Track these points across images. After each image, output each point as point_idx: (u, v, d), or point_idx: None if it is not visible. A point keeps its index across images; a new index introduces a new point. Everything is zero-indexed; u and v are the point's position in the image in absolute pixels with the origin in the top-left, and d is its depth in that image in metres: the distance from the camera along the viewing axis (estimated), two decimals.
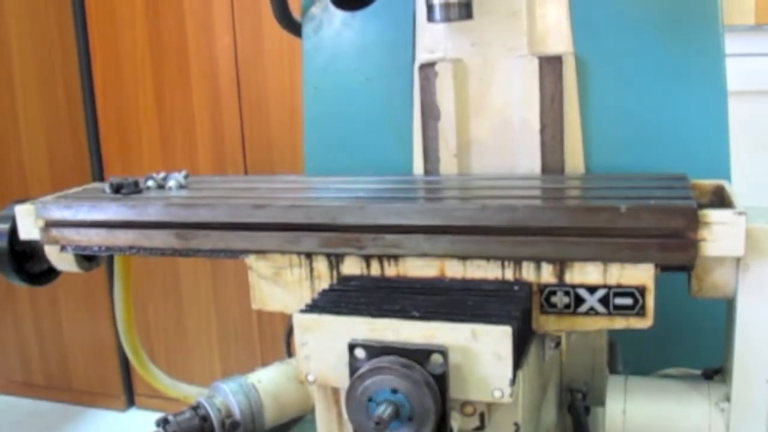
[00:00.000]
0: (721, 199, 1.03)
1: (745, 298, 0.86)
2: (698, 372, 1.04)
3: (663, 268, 0.86)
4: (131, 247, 1.06)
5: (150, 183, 1.16)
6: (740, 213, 0.84)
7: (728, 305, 0.92)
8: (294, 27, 1.38)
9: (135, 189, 1.12)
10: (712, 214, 0.84)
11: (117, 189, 1.11)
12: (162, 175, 1.18)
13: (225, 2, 2.60)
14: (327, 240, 0.95)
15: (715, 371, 1.00)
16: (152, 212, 1.03)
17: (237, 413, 1.07)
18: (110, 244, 1.07)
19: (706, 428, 0.93)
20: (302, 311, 0.84)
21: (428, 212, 0.92)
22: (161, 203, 1.04)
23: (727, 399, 0.91)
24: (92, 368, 3.13)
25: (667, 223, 0.85)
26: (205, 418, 1.04)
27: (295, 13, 1.39)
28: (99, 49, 2.81)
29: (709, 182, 1.06)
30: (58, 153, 2.96)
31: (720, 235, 0.84)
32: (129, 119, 2.82)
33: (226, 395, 1.07)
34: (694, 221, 0.84)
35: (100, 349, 3.09)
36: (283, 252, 0.98)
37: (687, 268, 0.87)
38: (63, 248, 1.11)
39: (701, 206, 0.86)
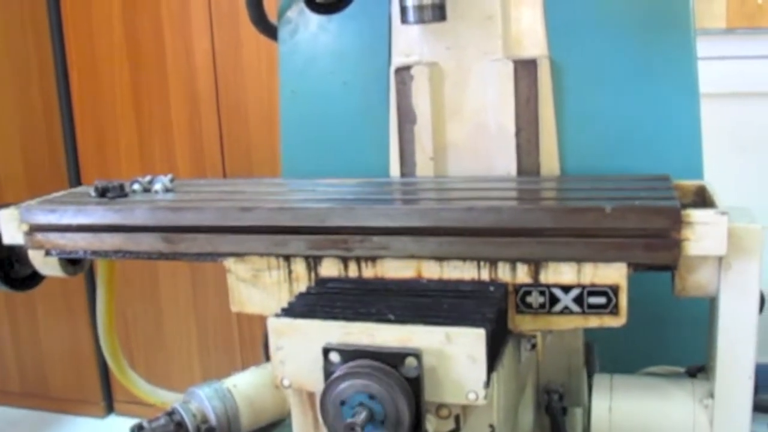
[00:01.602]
0: (702, 200, 1.04)
1: (728, 297, 0.88)
2: (682, 370, 1.05)
3: (648, 268, 0.87)
4: (117, 251, 1.05)
5: (136, 186, 1.15)
6: (722, 213, 0.85)
7: (711, 304, 0.93)
8: (270, 30, 1.38)
9: (121, 193, 1.11)
10: (695, 214, 0.85)
11: (102, 193, 1.10)
12: (148, 178, 1.18)
13: (202, 6, 2.59)
14: (315, 242, 0.96)
15: (698, 369, 1.01)
16: (139, 216, 1.03)
17: (212, 419, 1.06)
18: (96, 248, 1.06)
19: (691, 424, 0.94)
20: (277, 316, 0.83)
21: (415, 214, 0.93)
22: (148, 207, 1.04)
23: (711, 396, 0.92)
24: (70, 375, 3.10)
25: (651, 224, 0.86)
26: (180, 424, 1.04)
27: (272, 16, 1.38)
28: (75, 53, 2.78)
29: (691, 183, 1.08)
30: (34, 157, 2.93)
31: (703, 234, 0.85)
32: (106, 123, 2.80)
33: (202, 401, 1.07)
34: (677, 221, 0.85)
35: (78, 355, 3.06)
36: (270, 255, 0.98)
37: (671, 268, 0.88)
38: (48, 253, 1.10)
39: (684, 206, 0.87)
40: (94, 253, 1.07)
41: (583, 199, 0.95)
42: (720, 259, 0.87)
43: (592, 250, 0.87)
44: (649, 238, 0.86)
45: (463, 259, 0.91)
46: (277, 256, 0.98)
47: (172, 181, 1.18)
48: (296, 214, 0.96)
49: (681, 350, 1.20)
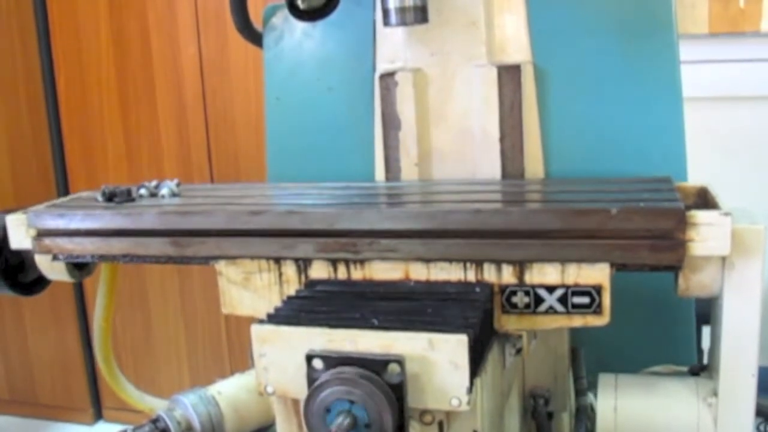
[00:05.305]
0: (704, 201, 1.05)
1: (731, 296, 0.89)
2: (685, 369, 1.06)
3: (653, 268, 0.88)
4: (125, 255, 1.06)
5: (142, 191, 1.16)
6: (726, 214, 0.86)
7: (714, 304, 0.94)
8: (255, 37, 1.38)
9: (128, 197, 1.12)
10: (700, 215, 0.86)
11: (110, 197, 1.11)
12: (154, 183, 1.18)
13: (189, 12, 2.59)
14: (324, 245, 0.96)
15: (701, 368, 1.03)
16: (147, 220, 1.03)
17: (197, 426, 1.06)
18: (104, 253, 1.06)
19: (695, 422, 0.95)
20: (260, 322, 0.83)
21: (423, 216, 0.93)
22: (156, 211, 1.04)
23: (715, 394, 0.93)
24: (58, 381, 3.09)
25: (656, 225, 0.86)
26: (165, 431, 1.04)
27: (257, 23, 1.39)
28: (62, 60, 2.78)
29: (692, 185, 1.09)
30: (21, 165, 2.92)
31: (707, 235, 0.86)
32: (93, 130, 2.80)
33: (186, 408, 1.07)
34: (682, 222, 0.86)
35: (66, 362, 3.05)
36: (261, 258, 0.99)
37: (676, 268, 0.89)
38: (55, 257, 1.10)
39: (688, 208, 0.88)
40: (102, 257, 1.07)
41: (588, 202, 0.96)
42: (723, 259, 0.88)
43: (599, 252, 0.88)
44: (655, 239, 0.87)
45: (458, 261, 0.92)
46: (267, 258, 0.98)
47: (178, 185, 1.18)
48: (305, 217, 0.96)
49: (669, 351, 1.20)
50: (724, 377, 0.91)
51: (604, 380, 1.02)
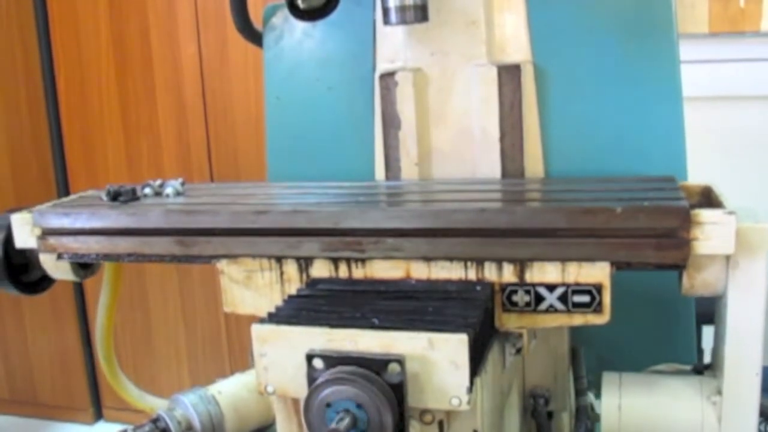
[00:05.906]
0: (708, 200, 1.05)
1: (735, 295, 0.89)
2: (688, 368, 1.06)
3: (657, 267, 0.88)
4: (130, 254, 1.06)
5: (147, 190, 1.16)
6: (730, 213, 0.86)
7: (718, 303, 0.95)
8: (255, 37, 1.38)
9: (133, 196, 1.12)
10: (704, 214, 0.86)
11: (114, 197, 1.11)
12: (158, 182, 1.18)
13: (189, 11, 2.59)
14: (329, 244, 0.96)
15: (705, 366, 1.03)
16: (153, 219, 1.03)
17: (197, 425, 1.06)
18: (109, 252, 1.07)
19: (699, 420, 0.95)
20: (261, 322, 0.83)
21: (428, 216, 0.93)
22: (161, 210, 1.04)
23: (719, 392, 0.94)
24: (58, 381, 3.09)
25: (661, 223, 0.87)
26: (165, 431, 1.04)
27: (257, 23, 1.39)
28: (62, 59, 2.78)
29: (696, 184, 1.09)
30: (21, 165, 2.92)
31: (711, 234, 0.86)
32: (94, 130, 2.80)
33: (186, 407, 1.07)
34: (687, 221, 0.86)
35: (66, 361, 3.05)
36: (263, 257, 0.99)
37: (680, 267, 0.89)
38: (60, 256, 1.10)
39: (692, 207, 0.89)
40: (107, 256, 1.07)
41: (592, 201, 0.96)
42: (728, 258, 0.88)
43: (604, 250, 0.88)
44: (659, 238, 0.87)
45: (459, 259, 0.92)
46: (269, 257, 0.99)
47: (183, 184, 1.18)
48: (310, 216, 0.97)
49: (669, 350, 1.21)
50: (728, 376, 0.91)
51: (608, 378, 1.02)
